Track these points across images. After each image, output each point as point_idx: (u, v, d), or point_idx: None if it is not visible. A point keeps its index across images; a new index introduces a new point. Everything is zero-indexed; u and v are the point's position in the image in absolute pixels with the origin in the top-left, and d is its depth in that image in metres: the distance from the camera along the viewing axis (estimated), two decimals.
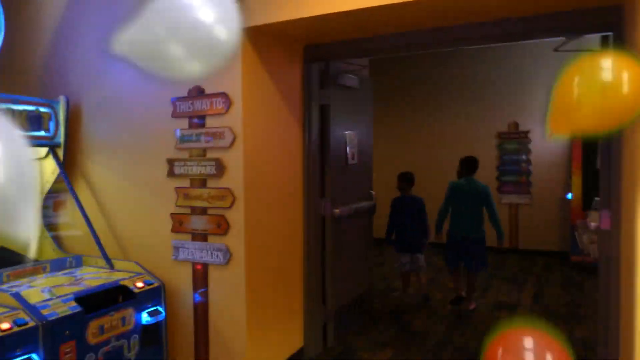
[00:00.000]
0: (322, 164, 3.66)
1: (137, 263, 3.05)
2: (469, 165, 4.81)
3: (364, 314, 4.52)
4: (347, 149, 3.91)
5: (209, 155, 3.05)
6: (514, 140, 7.44)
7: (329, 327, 3.86)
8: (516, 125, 7.40)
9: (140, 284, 2.86)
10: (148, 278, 2.96)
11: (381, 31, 3.21)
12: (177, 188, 3.17)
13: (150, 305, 2.86)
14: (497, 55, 7.33)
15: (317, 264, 3.71)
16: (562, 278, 6.06)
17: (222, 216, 3.03)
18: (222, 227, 3.04)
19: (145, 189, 3.32)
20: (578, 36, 2.89)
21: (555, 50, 3.16)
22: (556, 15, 2.82)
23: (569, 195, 6.57)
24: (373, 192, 4.37)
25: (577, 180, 6.39)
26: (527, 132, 7.32)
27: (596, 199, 3.72)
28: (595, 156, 5.94)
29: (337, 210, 3.72)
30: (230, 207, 3.00)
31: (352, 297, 4.16)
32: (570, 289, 5.60)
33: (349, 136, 3.94)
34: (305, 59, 3.52)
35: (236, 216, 3.01)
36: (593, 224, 3.02)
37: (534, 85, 7.14)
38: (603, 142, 3.19)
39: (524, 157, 7.38)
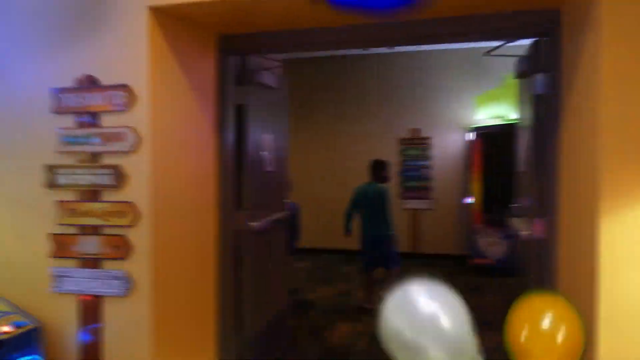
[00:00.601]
0: (238, 172, 3.22)
1: (3, 299, 2.37)
2: (372, 169, 5.15)
3: (283, 333, 4.14)
4: (265, 154, 3.51)
5: (106, 161, 2.47)
6: (416, 147, 7.57)
7: (246, 355, 3.42)
8: (418, 131, 7.53)
9: (6, 328, 2.21)
10: (19, 319, 2.32)
11: (306, 24, 2.88)
12: (59, 202, 2.54)
13: (22, 355, 2.23)
14: (401, 61, 7.42)
15: (232, 287, 3.26)
16: (464, 281, 6.19)
17: (122, 236, 2.47)
18: (122, 249, 2.47)
19: (16, 203, 2.63)
20: (513, 40, 2.81)
21: (485, 54, 3.07)
22: (491, 18, 2.71)
23: (469, 200, 6.78)
24: (293, 202, 4.02)
25: (477, 185, 6.61)
26: (428, 139, 7.48)
27: (515, 205, 3.72)
28: (500, 161, 6.20)
29: (255, 223, 3.30)
30: (132, 225, 2.45)
31: (271, 317, 3.76)
32: (473, 293, 5.72)
33: (266, 140, 3.54)
34: (220, 51, 3.06)
35: (140, 236, 2.46)
36: (524, 232, 2.96)
37: (435, 92, 7.32)
38: (528, 147, 3.18)
39: (425, 162, 7.53)
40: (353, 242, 7.52)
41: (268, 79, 3.48)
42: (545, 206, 2.77)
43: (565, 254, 2.55)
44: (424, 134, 7.50)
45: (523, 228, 3.01)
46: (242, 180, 3.25)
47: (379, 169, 5.12)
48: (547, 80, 2.70)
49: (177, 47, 2.66)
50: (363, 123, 7.70)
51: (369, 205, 5.07)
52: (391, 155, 7.54)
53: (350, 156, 7.68)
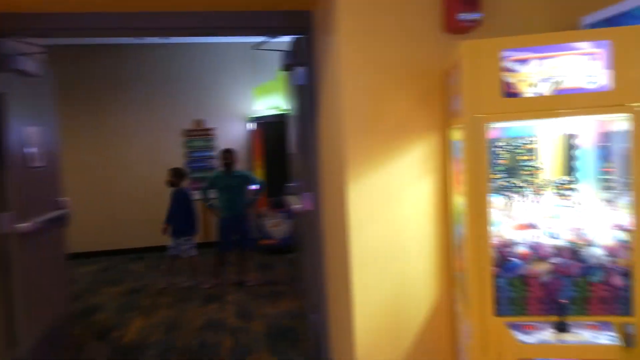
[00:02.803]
0: None
1: None
2: (222, 156, 5.65)
3: (66, 342, 3.84)
4: (30, 148, 3.21)
5: None
6: (200, 138, 7.67)
7: None
8: (201, 122, 7.62)
9: None
10: None
11: (70, 8, 2.75)
12: None
13: None
14: (181, 52, 7.39)
15: (1, 297, 2.93)
16: (257, 261, 6.60)
17: None
18: None
19: None
20: (275, 36, 3.15)
21: (253, 48, 3.36)
22: (254, 15, 2.99)
23: (254, 186, 7.19)
24: (66, 199, 3.74)
25: (260, 172, 7.05)
26: (212, 129, 7.64)
27: (288, 184, 4.18)
28: (278, 148, 6.72)
29: (23, 225, 3.01)
30: None
31: (50, 327, 3.47)
32: (265, 271, 6.15)
33: (32, 134, 3.23)
34: None
35: None
36: (297, 206, 3.38)
37: (217, 83, 7.51)
38: (296, 133, 3.61)
39: (210, 153, 7.68)
40: (142, 240, 7.31)
41: (30, 66, 3.18)
42: (311, 183, 3.21)
43: (328, 219, 3.02)
44: (208, 125, 7.63)
45: (296, 203, 3.44)
46: (3, 178, 2.92)
47: (228, 155, 5.60)
48: (306, 73, 3.13)
49: None
50: (145, 115, 7.45)
51: (224, 189, 5.54)
52: (176, 147, 7.51)
53: (134, 149, 7.40)
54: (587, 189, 2.26)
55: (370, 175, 2.37)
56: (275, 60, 7.26)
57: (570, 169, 2.31)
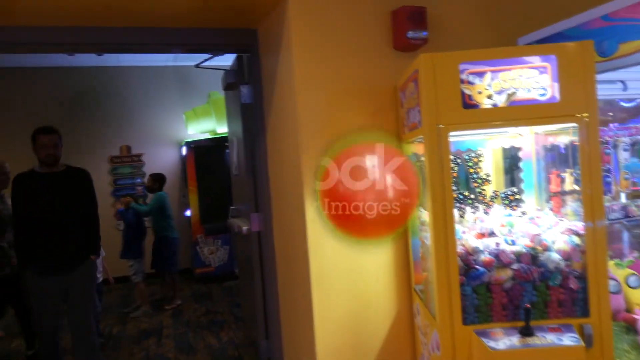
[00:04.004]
0: None
1: None
2: (159, 180, 5.67)
3: None
4: None
5: None
6: (127, 164, 7.29)
7: None
8: (128, 148, 7.26)
9: None
10: None
11: None
12: None
13: None
14: (105, 75, 7.02)
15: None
16: (192, 292, 6.30)
17: None
18: None
19: None
20: (219, 54, 3.07)
21: (197, 66, 3.26)
22: (199, 32, 2.91)
23: (188, 213, 6.91)
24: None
25: (194, 197, 6.80)
26: (140, 155, 7.29)
27: (232, 207, 4.04)
28: (212, 172, 6.53)
29: None
30: None
31: None
32: (202, 300, 5.88)
33: None
34: None
35: None
36: (244, 228, 3.26)
37: (145, 107, 7.21)
38: (240, 154, 3.51)
39: (138, 180, 7.31)
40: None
41: None
42: (259, 204, 3.12)
43: (279, 239, 2.93)
44: (135, 151, 7.28)
45: (242, 226, 3.31)
46: None
47: (162, 180, 5.68)
48: (251, 91, 3.07)
49: None
50: (67, 141, 6.95)
51: (154, 212, 5.56)
52: (102, 174, 7.07)
53: None
54: (532, 199, 2.37)
55: None
56: (207, 83, 7.19)
57: (515, 180, 2.41)
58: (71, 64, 6.75)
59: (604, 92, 2.30)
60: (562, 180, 2.22)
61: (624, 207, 2.49)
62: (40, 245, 3.13)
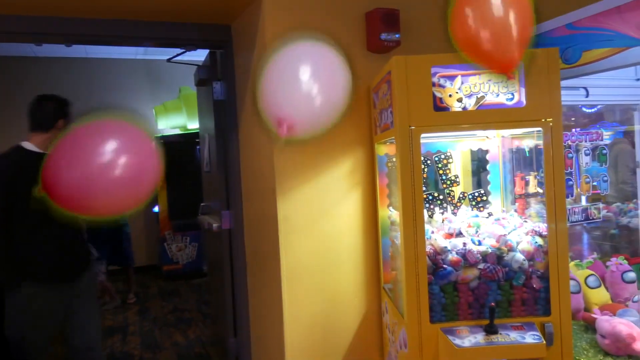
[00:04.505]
0: None
1: None
2: None
3: None
4: None
5: None
6: None
7: None
8: None
9: None
10: None
11: None
12: None
13: None
14: (73, 67, 6.81)
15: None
16: (159, 289, 6.21)
17: None
18: None
19: None
20: (192, 49, 3.03)
21: (169, 60, 3.21)
22: (172, 26, 2.86)
23: (156, 209, 6.80)
24: None
25: (162, 193, 6.69)
26: None
27: (202, 204, 4.00)
28: (182, 168, 6.44)
29: None
30: None
31: None
32: (169, 298, 5.80)
33: None
34: None
35: None
36: (215, 225, 3.23)
37: (114, 101, 7.04)
38: (211, 150, 3.48)
39: None
40: None
41: None
42: (230, 201, 3.10)
43: (250, 237, 2.93)
44: None
45: (213, 223, 3.29)
46: None
47: None
48: (225, 87, 3.04)
49: None
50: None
51: None
52: None
53: None
54: (498, 200, 2.44)
55: (299, 190, 2.34)
56: (177, 78, 7.07)
57: (483, 182, 2.48)
58: (36, 54, 6.53)
59: (567, 98, 2.39)
60: (526, 183, 2.29)
61: (585, 210, 2.58)
62: (38, 247, 2.48)
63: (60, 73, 6.81)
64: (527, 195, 2.27)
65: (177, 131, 6.89)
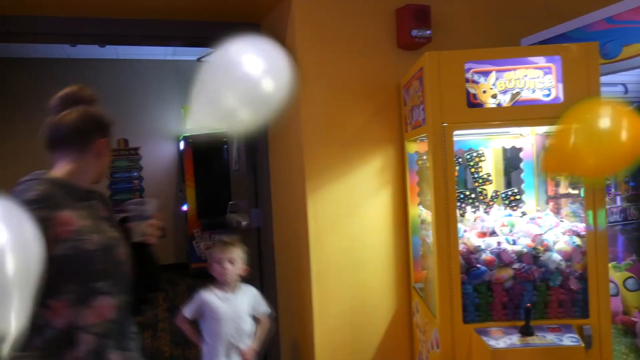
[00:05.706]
0: None
1: None
2: None
3: None
4: None
5: None
6: (125, 158, 7.26)
7: None
8: (126, 142, 7.23)
9: None
10: None
11: None
12: None
13: None
14: (103, 68, 6.97)
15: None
16: (187, 287, 6.28)
17: None
18: None
19: None
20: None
21: (198, 60, 3.25)
22: (201, 25, 2.90)
23: (185, 208, 6.90)
24: None
25: (191, 192, 6.78)
26: (137, 149, 7.27)
27: (231, 202, 4.03)
28: (211, 167, 6.52)
29: None
30: None
31: None
32: None
33: None
34: None
35: None
36: (244, 223, 3.25)
37: (143, 100, 7.18)
38: (242, 150, 3.50)
39: (135, 174, 7.29)
40: None
41: None
42: (260, 199, 3.11)
43: (279, 235, 2.93)
44: (132, 145, 7.25)
45: (242, 221, 3.31)
46: None
47: None
48: None
49: None
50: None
51: None
52: None
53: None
54: (532, 199, 2.38)
55: (329, 187, 2.33)
56: None
57: (516, 181, 2.42)
58: (69, 56, 6.71)
59: (605, 94, 2.32)
60: (557, 183, 2.23)
61: (623, 210, 2.50)
62: None
63: (92, 74, 6.96)
64: (559, 196, 2.21)
65: (206, 131, 6.96)
